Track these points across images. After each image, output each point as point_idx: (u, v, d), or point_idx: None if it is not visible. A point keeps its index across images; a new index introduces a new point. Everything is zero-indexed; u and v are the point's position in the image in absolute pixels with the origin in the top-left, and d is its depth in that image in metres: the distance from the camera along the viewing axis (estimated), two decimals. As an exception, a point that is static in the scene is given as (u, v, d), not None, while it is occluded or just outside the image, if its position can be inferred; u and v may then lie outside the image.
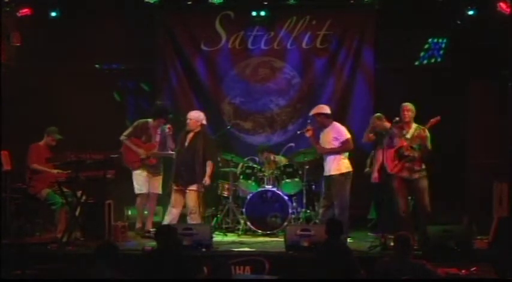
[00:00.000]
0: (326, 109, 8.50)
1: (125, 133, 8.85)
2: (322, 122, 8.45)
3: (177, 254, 5.90)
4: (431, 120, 7.86)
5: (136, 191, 8.80)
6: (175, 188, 8.41)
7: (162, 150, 8.84)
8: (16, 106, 9.31)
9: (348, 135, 8.35)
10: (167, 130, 8.83)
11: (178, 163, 8.40)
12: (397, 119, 8.17)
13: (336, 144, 8.32)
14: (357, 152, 9.37)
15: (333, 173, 8.27)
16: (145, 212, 8.96)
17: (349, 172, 8.29)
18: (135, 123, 8.92)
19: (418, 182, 7.96)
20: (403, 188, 8.02)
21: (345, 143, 8.30)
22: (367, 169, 9.15)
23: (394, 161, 8.00)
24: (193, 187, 8.35)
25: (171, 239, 5.99)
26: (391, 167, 8.01)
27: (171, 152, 8.71)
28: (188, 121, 8.49)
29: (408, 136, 7.99)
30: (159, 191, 8.88)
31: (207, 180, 8.37)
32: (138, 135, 8.84)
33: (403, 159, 7.94)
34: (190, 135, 8.46)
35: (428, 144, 7.92)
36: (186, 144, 8.43)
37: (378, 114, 8.73)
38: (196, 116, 8.54)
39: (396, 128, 8.10)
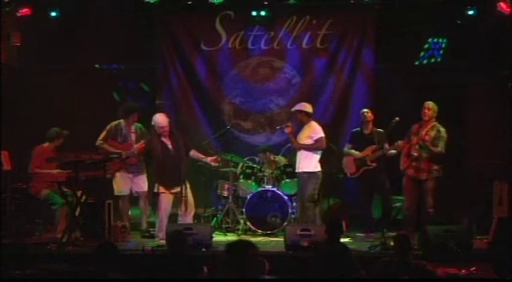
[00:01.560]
0: (308, 107, 8.74)
1: (100, 138, 8.74)
2: (301, 120, 8.73)
3: (190, 257, 5.94)
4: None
5: (116, 193, 8.75)
6: (172, 191, 8.27)
7: None
8: (16, 106, 9.31)
9: (321, 134, 8.58)
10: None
11: (170, 168, 8.20)
12: (397, 119, 8.21)
13: (309, 142, 8.57)
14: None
15: (299, 170, 8.59)
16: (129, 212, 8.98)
17: (315, 172, 8.51)
18: (108, 127, 8.81)
19: (425, 183, 8.08)
20: (410, 186, 8.18)
21: (318, 141, 8.55)
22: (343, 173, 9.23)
23: (404, 158, 8.26)
24: (187, 184, 8.32)
25: (186, 244, 6.06)
26: (402, 163, 8.26)
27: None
28: (164, 126, 8.23)
29: (420, 135, 8.08)
30: (145, 188, 8.76)
31: (212, 158, 8.53)
32: (113, 137, 8.78)
33: (410, 158, 8.06)
34: (166, 138, 8.28)
35: (441, 145, 8.05)
36: (170, 147, 8.25)
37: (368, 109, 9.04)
38: (166, 119, 8.37)
39: (419, 126, 8.23)
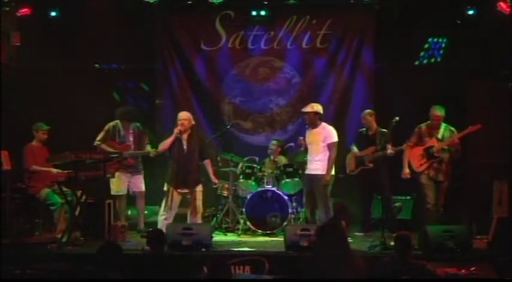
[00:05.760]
0: (318, 108, 8.48)
1: (98, 138, 8.79)
2: (313, 121, 8.43)
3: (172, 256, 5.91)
4: (471, 127, 8.05)
5: (113, 193, 8.77)
6: (179, 191, 8.27)
7: (138, 150, 8.86)
8: (16, 106, 9.31)
9: (336, 139, 8.35)
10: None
11: (179, 167, 8.20)
12: (397, 118, 8.21)
13: (323, 145, 8.31)
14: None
15: (319, 172, 8.30)
16: (129, 212, 9.08)
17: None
18: (106, 127, 8.88)
19: (442, 184, 8.20)
20: (431, 183, 8.26)
21: (331, 146, 8.27)
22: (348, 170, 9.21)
23: (421, 160, 8.21)
24: (200, 188, 8.36)
25: (164, 243, 6.04)
26: (417, 166, 8.24)
27: (148, 150, 8.78)
28: (182, 122, 8.24)
29: (439, 136, 8.10)
30: (142, 188, 8.92)
31: (215, 180, 8.56)
32: (112, 137, 8.84)
33: (432, 159, 8.07)
34: (185, 136, 8.30)
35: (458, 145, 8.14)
36: (185, 147, 8.25)
37: (370, 110, 9.01)
38: (189, 116, 8.36)
39: (428, 128, 8.27)
